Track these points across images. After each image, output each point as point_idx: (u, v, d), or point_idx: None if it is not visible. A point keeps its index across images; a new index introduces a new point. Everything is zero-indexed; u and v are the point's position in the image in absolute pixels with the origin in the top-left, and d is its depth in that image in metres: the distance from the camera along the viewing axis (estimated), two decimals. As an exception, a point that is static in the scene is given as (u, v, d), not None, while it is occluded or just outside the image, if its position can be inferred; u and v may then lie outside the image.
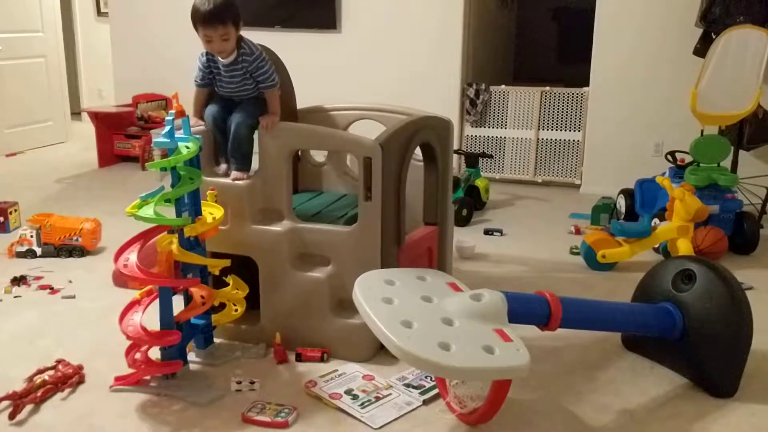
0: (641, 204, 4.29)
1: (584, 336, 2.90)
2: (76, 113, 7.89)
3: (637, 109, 5.33)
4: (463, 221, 4.55)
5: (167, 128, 2.48)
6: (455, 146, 4.93)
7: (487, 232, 4.47)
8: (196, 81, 2.80)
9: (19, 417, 2.32)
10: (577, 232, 4.44)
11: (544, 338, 2.68)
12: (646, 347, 2.79)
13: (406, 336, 2.02)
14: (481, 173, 5.16)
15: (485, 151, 5.61)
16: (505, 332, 2.15)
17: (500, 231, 4.47)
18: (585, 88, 5.48)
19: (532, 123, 5.66)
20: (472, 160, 5.13)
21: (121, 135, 6.28)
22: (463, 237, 4.11)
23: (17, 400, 2.36)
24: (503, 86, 5.73)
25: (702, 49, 4.65)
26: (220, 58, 2.72)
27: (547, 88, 5.61)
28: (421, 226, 3.17)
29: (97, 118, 6.22)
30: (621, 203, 4.64)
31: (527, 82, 6.13)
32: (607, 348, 2.89)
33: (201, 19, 2.60)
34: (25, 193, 4.90)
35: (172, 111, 2.53)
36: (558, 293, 2.45)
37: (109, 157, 6.27)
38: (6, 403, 2.37)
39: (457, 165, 5.51)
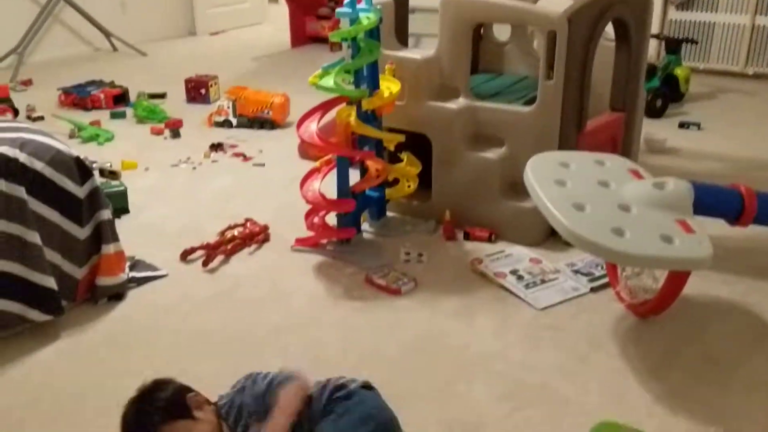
0: None
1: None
2: (272, -5, 8.18)
3: None
4: (656, 112, 4.22)
5: (349, -1, 2.49)
6: (655, 31, 4.52)
7: (682, 125, 4.12)
8: None
9: (211, 265, 2.58)
10: (790, 130, 3.97)
11: (732, 238, 2.48)
12: None
13: (578, 218, 1.94)
14: (683, 61, 4.70)
15: (689, 36, 5.08)
16: (688, 223, 1.99)
17: (698, 125, 4.09)
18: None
19: (748, 6, 5.00)
20: (673, 45, 4.67)
21: (313, 16, 6.43)
22: (653, 129, 3.82)
23: (210, 251, 2.62)
24: (719, -37, 5.09)
25: None
26: None
27: (773, -36, 4.90)
28: (607, 112, 2.98)
29: (292, -2, 6.41)
30: None
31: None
32: (807, 254, 2.62)
33: None
34: (225, 69, 5.21)
35: (355, -19, 2.51)
36: (757, 193, 2.22)
37: (301, 38, 6.47)
38: (201, 252, 2.63)
39: (655, 52, 5.05)
